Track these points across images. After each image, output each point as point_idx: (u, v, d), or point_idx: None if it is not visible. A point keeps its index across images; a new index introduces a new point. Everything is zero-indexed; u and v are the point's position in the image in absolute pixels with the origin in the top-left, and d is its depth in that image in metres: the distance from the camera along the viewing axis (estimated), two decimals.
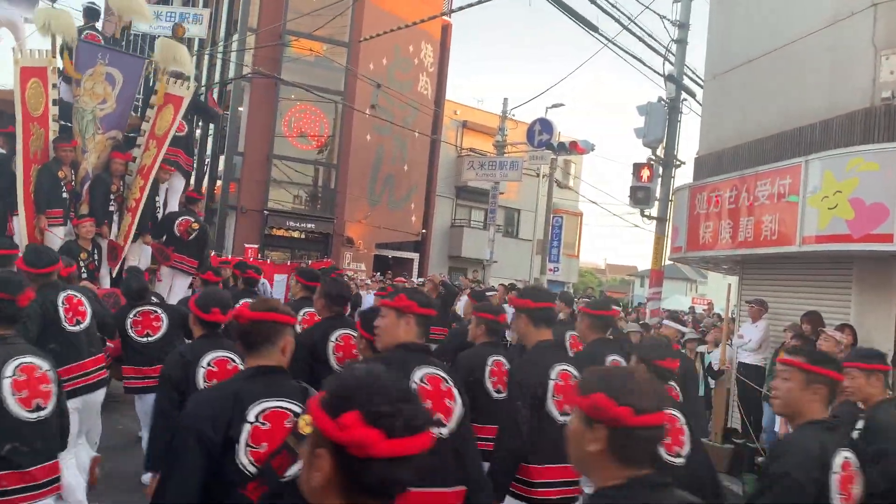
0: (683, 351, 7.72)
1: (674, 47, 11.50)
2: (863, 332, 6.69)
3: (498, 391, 3.99)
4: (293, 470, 1.71)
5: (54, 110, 7.26)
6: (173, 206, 8.12)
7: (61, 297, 4.37)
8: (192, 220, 7.77)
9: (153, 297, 5.87)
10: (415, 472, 1.23)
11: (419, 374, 2.71)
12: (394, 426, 1.19)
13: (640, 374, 1.76)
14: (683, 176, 23.36)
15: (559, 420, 3.15)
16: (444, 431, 2.70)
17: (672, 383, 3.78)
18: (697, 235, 8.92)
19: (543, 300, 3.42)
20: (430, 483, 2.57)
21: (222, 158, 22.75)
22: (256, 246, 19.14)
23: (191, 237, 7.68)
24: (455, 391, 2.78)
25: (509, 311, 4.80)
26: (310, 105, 22.43)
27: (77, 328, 4.40)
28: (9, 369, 3.00)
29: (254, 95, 22.06)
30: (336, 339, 3.92)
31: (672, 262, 11.79)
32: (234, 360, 3.36)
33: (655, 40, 13.12)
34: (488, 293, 9.75)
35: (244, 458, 2.09)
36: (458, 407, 2.77)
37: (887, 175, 6.26)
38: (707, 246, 8.73)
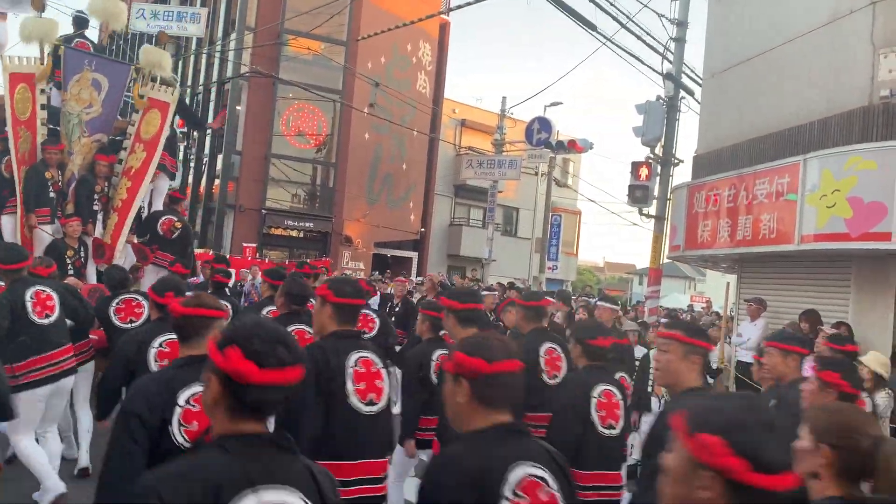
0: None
1: (672, 46, 11.49)
2: (861, 330, 6.69)
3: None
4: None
5: (42, 114, 7.63)
6: (158, 206, 8.46)
7: (30, 292, 4.62)
8: (175, 219, 8.11)
9: (134, 287, 6.06)
10: (284, 397, 1.58)
11: (353, 359, 2.94)
12: (266, 360, 1.52)
13: (494, 335, 2.00)
14: (682, 174, 23.37)
15: None
16: (375, 409, 2.95)
17: (623, 374, 4.48)
18: (696, 234, 8.92)
19: (469, 302, 3.70)
20: (363, 455, 2.90)
21: (220, 157, 22.73)
22: (254, 245, 19.13)
23: (174, 236, 8.01)
24: (384, 373, 3.05)
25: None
26: (308, 104, 22.41)
27: (46, 321, 4.64)
28: None
29: (252, 94, 22.04)
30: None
31: (670, 261, 11.80)
32: None
33: (654, 38, 13.14)
34: (486, 292, 9.76)
35: (179, 437, 2.38)
36: (386, 386, 3.04)
37: (885, 173, 6.27)
38: (705, 244, 8.73)
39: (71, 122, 7.80)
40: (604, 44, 12.85)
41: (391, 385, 3.15)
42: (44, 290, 4.71)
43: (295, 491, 1.54)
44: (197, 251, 12.03)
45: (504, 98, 21.29)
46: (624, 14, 13.12)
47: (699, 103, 11.34)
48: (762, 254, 7.89)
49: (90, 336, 5.43)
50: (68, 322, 4.93)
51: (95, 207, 7.77)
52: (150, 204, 8.40)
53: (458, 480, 1.73)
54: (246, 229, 21.59)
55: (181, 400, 2.40)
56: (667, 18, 11.25)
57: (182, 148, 23.30)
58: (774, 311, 8.02)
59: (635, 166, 10.90)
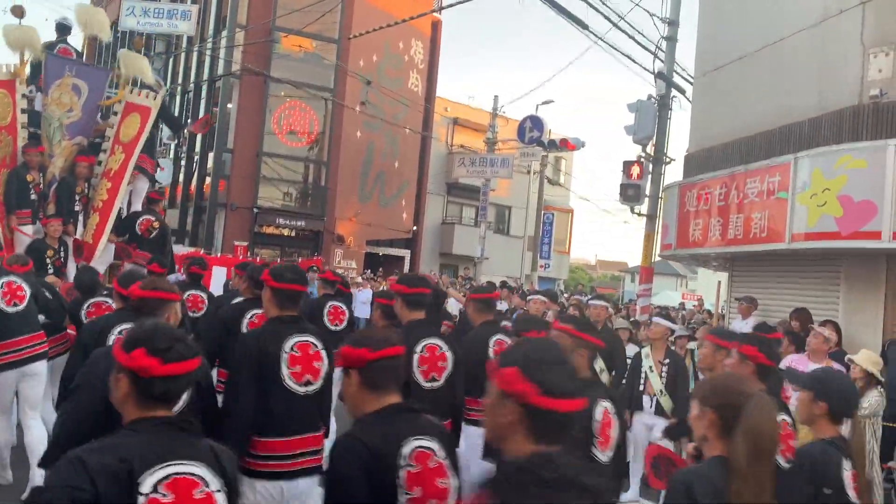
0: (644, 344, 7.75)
1: (664, 44, 11.51)
2: (850, 329, 6.73)
3: None
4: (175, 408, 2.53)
5: (23, 118, 7.97)
6: (137, 206, 8.73)
7: (0, 281, 4.89)
8: (153, 219, 8.41)
9: (105, 291, 6.20)
10: (186, 384, 1.86)
11: (290, 343, 3.14)
12: (168, 356, 1.78)
13: (379, 328, 2.27)
14: (673, 173, 23.43)
15: (424, 385, 3.64)
16: (311, 389, 3.17)
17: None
18: (687, 233, 8.95)
19: (416, 286, 3.95)
20: (302, 430, 3.13)
21: (211, 155, 22.63)
22: (246, 244, 19.07)
23: (151, 235, 8.30)
24: (323, 353, 3.23)
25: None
26: (299, 102, 22.33)
27: (14, 310, 4.90)
28: None
29: (243, 92, 21.93)
30: (251, 318, 4.53)
31: (662, 259, 11.84)
32: None
33: (645, 37, 13.15)
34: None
35: None
36: (324, 367, 3.23)
37: (875, 172, 6.30)
38: (697, 243, 8.76)
39: (52, 126, 8.10)
40: (595, 42, 12.86)
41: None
42: (15, 282, 4.97)
43: (199, 464, 1.77)
44: (188, 250, 12.02)
45: (496, 97, 21.37)
46: (615, 13, 13.14)
47: (690, 102, 11.37)
48: (753, 252, 7.92)
49: (67, 331, 5.60)
50: (42, 318, 5.18)
51: (77, 208, 8.02)
52: (129, 204, 8.71)
53: (359, 460, 1.94)
54: (237, 228, 21.51)
55: None
56: (658, 17, 11.26)
57: (173, 146, 23.20)
58: (765, 310, 8.06)
59: (627, 165, 10.92)
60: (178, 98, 25.19)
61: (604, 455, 2.89)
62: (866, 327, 6.79)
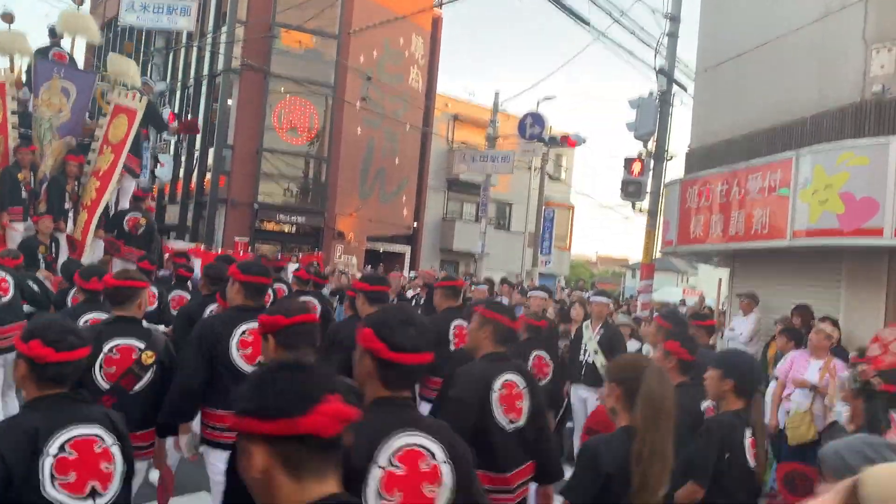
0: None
1: (665, 41, 11.48)
2: (851, 325, 6.73)
3: None
4: (137, 387, 3.27)
5: (13, 119, 8.35)
6: (124, 204, 9.08)
7: None
8: (140, 216, 8.76)
9: None
10: (76, 368, 2.21)
11: (241, 329, 3.43)
12: (60, 346, 2.14)
13: (295, 300, 2.67)
14: (675, 169, 23.43)
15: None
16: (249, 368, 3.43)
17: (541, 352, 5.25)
18: (688, 229, 8.93)
19: (377, 284, 4.42)
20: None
21: (212, 151, 22.60)
22: (246, 239, 19.07)
23: (139, 232, 8.64)
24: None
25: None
26: (299, 98, 22.29)
27: None
28: None
29: (243, 88, 21.88)
30: (210, 312, 4.83)
31: (663, 255, 11.83)
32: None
33: (647, 33, 13.11)
34: (478, 286, 9.76)
35: (100, 379, 3.20)
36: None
37: (877, 169, 6.28)
38: (698, 240, 8.75)
39: (42, 126, 8.47)
40: (597, 38, 12.83)
41: None
42: (1, 274, 5.36)
43: (96, 426, 2.17)
44: (189, 246, 12.03)
45: (497, 93, 21.26)
46: (617, 8, 13.10)
47: (692, 98, 11.34)
48: (754, 249, 7.91)
49: None
50: (28, 308, 5.58)
51: (67, 206, 8.37)
52: (116, 202, 9.07)
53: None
54: (238, 224, 21.49)
55: (106, 349, 3.23)
56: (660, 13, 11.24)
57: (173, 143, 23.16)
58: (766, 306, 8.05)
59: (628, 162, 10.91)
60: (178, 94, 25.15)
61: (512, 424, 3.03)
62: (867, 324, 6.77)
